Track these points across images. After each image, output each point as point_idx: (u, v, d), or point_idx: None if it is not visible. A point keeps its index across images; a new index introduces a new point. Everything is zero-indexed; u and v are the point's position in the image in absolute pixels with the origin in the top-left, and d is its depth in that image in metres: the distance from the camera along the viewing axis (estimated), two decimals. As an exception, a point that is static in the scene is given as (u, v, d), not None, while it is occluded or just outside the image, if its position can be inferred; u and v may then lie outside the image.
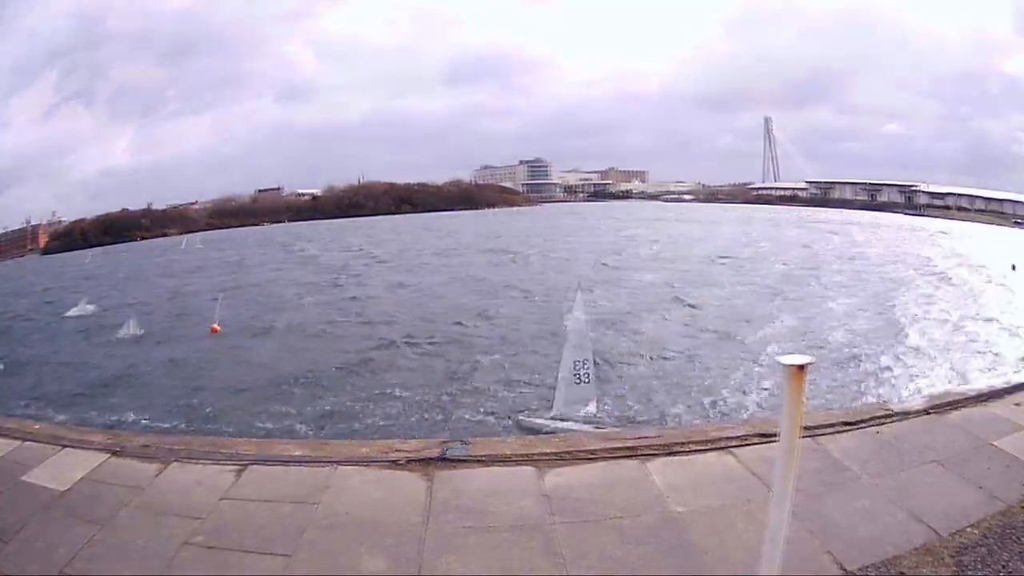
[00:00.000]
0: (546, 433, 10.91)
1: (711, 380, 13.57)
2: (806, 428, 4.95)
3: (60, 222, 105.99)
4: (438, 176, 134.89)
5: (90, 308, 26.79)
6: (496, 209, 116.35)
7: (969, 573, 3.72)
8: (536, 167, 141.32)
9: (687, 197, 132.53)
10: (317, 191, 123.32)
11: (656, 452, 5.28)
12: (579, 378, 11.08)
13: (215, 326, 20.71)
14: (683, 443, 5.44)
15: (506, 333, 18.50)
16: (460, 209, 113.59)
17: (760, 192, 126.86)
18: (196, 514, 4.49)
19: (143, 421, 12.26)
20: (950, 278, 28.24)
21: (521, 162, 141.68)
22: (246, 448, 5.71)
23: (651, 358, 15.30)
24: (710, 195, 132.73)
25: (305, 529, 4.31)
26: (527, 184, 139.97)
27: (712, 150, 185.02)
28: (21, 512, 4.50)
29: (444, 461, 5.21)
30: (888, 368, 14.24)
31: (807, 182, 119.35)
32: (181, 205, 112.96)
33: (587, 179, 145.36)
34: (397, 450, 5.45)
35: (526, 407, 12.30)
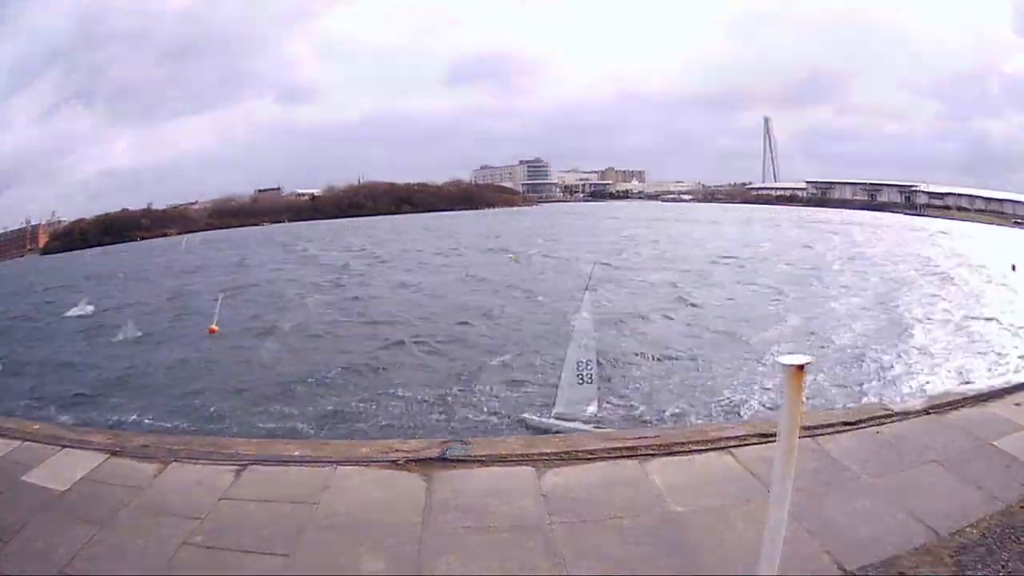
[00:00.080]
0: (550, 432, 10.96)
1: (714, 380, 13.56)
2: (805, 428, 4.96)
3: (60, 222, 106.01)
4: (438, 176, 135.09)
5: (89, 309, 26.76)
6: (496, 209, 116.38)
7: (969, 573, 3.72)
8: (535, 167, 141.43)
9: (686, 197, 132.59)
10: (317, 191, 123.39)
11: (655, 452, 5.28)
12: (582, 379, 11.10)
13: (213, 326, 20.66)
14: (682, 443, 5.44)
15: (508, 333, 18.48)
16: (460, 209, 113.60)
17: (759, 192, 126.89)
18: (195, 514, 4.49)
19: (146, 421, 12.24)
20: (951, 278, 28.25)
21: (520, 162, 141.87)
22: (245, 448, 5.71)
23: (654, 358, 15.29)
24: (709, 195, 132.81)
25: (304, 529, 4.31)
26: (526, 184, 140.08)
27: (711, 150, 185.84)
28: (21, 512, 4.50)
29: (443, 461, 5.21)
30: (892, 368, 14.23)
31: (806, 182, 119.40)
32: (181, 205, 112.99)
33: (586, 179, 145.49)
34: (396, 450, 5.45)
35: (528, 406, 12.29)
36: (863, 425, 5.69)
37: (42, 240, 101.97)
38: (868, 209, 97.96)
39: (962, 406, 6.07)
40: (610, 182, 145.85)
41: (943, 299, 22.74)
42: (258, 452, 5.57)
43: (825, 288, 25.38)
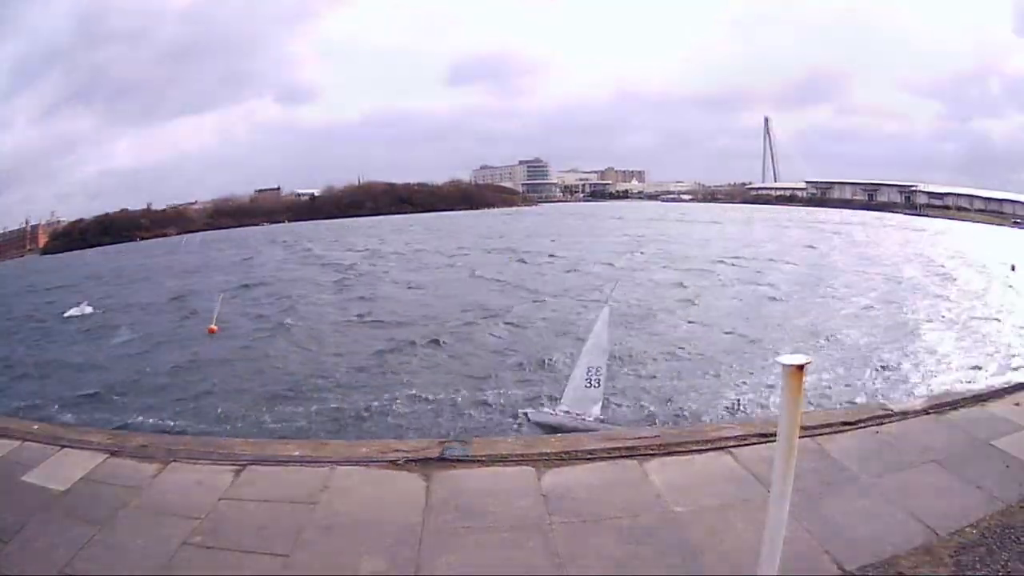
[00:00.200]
0: (551, 426, 10.98)
1: (720, 380, 13.52)
2: (805, 428, 4.96)
3: (59, 222, 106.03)
4: (437, 176, 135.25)
5: (89, 309, 26.72)
6: (496, 209, 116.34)
7: (968, 573, 3.72)
8: (535, 167, 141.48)
9: (685, 197, 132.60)
10: (316, 191, 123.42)
11: (655, 452, 5.27)
12: (590, 383, 11.13)
13: (213, 326, 20.63)
14: (682, 443, 5.44)
15: (516, 333, 18.43)
16: (459, 209, 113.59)
17: (759, 192, 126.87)
18: (195, 514, 4.49)
19: (148, 422, 12.20)
20: (954, 278, 28.26)
21: (520, 162, 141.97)
22: (245, 448, 5.71)
23: (660, 357, 15.24)
24: (708, 195, 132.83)
25: (303, 529, 4.30)
26: (526, 184, 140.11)
27: (711, 150, 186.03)
28: (21, 512, 4.49)
29: (443, 461, 5.20)
30: (899, 368, 14.22)
31: (806, 182, 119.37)
32: (180, 205, 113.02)
33: (586, 179, 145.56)
34: (395, 450, 5.45)
35: (533, 405, 12.27)
36: (863, 425, 5.69)
37: (42, 240, 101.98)
38: (868, 209, 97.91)
39: (962, 406, 6.07)
40: (610, 182, 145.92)
41: (946, 299, 22.76)
42: (257, 452, 5.56)
43: (829, 288, 25.37)
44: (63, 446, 5.58)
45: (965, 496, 4.50)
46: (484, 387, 13.28)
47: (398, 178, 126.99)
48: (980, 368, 14.23)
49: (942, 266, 32.87)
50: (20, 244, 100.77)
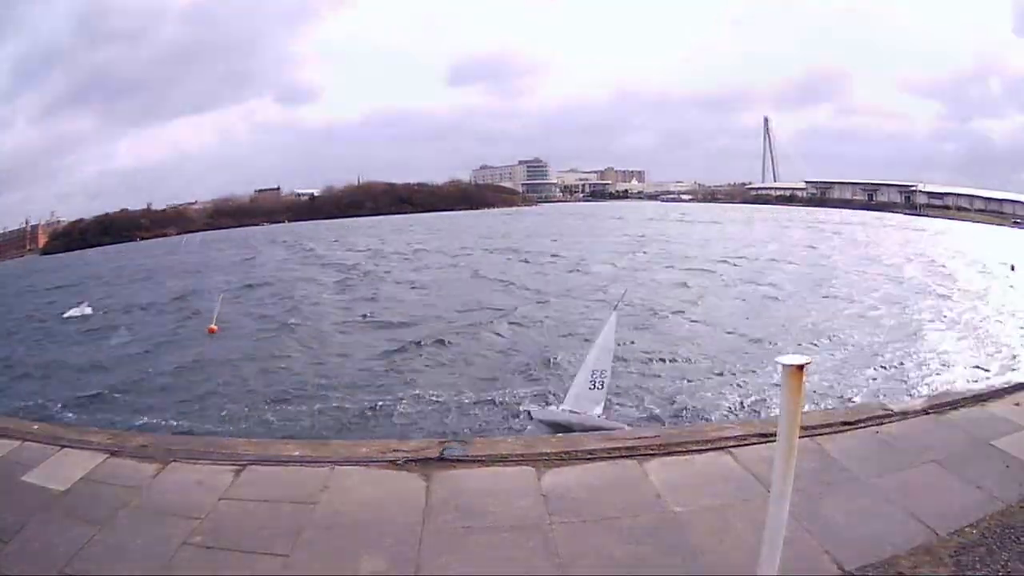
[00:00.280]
0: (553, 424, 10.98)
1: (722, 380, 13.48)
2: (805, 428, 4.96)
3: (59, 222, 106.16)
4: (437, 176, 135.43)
5: (88, 310, 26.67)
6: (496, 209, 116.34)
7: (968, 573, 3.72)
8: (534, 167, 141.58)
9: (685, 197, 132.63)
10: (316, 191, 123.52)
11: (655, 452, 5.27)
12: (594, 385, 11.14)
13: (213, 326, 20.60)
14: (682, 443, 5.44)
15: (519, 333, 18.37)
16: (459, 209, 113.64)
17: (759, 192, 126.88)
18: (195, 514, 4.49)
19: (149, 422, 12.17)
20: (955, 278, 28.25)
21: (520, 162, 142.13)
22: (245, 448, 5.71)
23: (662, 357, 15.21)
24: (708, 195, 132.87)
25: (304, 529, 4.30)
26: (525, 184, 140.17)
27: (710, 150, 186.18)
28: (21, 512, 4.49)
29: (442, 461, 5.20)
30: (903, 368, 14.19)
31: (805, 182, 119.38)
32: (180, 205, 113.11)
33: (585, 179, 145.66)
34: (395, 450, 5.45)
35: (536, 404, 12.25)
36: (863, 425, 5.69)
37: (42, 240, 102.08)
38: (867, 209, 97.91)
39: (962, 406, 6.07)
40: (609, 182, 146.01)
41: (947, 299, 22.76)
42: (258, 452, 5.56)
43: (830, 288, 25.35)
44: (63, 446, 5.58)
45: (965, 496, 4.50)
46: (487, 387, 13.26)
47: (398, 178, 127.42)
48: (981, 368, 14.22)
49: (943, 266, 32.86)
50: (20, 244, 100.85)
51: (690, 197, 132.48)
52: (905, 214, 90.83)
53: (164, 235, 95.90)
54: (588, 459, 5.22)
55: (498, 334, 18.21)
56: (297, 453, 5.54)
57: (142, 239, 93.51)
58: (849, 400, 12.01)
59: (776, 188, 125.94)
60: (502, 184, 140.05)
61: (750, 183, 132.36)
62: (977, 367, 14.27)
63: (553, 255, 39.46)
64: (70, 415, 12.83)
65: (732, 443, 5.37)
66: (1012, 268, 30.18)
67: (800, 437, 3.10)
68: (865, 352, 15.51)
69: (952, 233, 59.17)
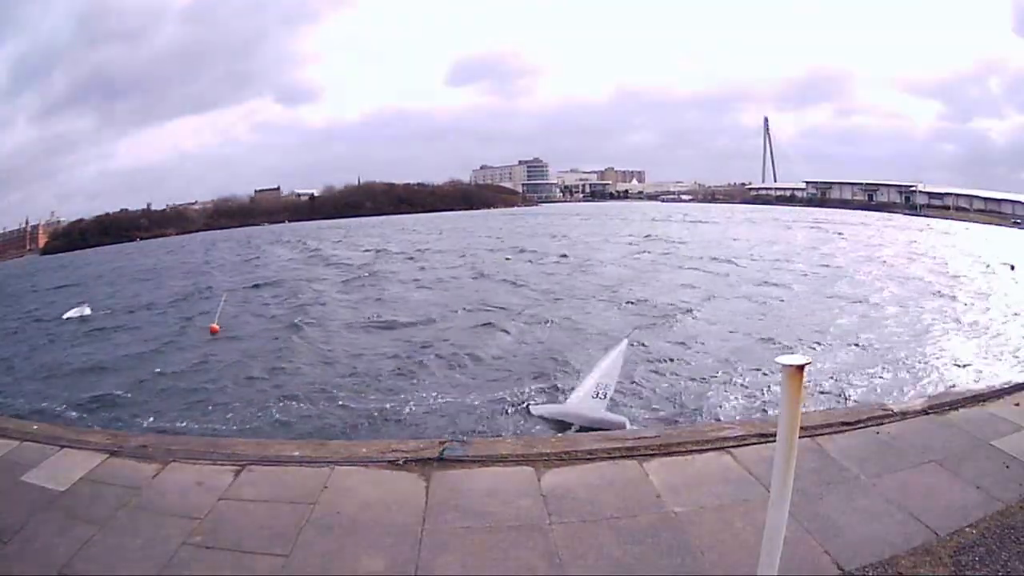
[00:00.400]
0: (553, 419, 10.95)
1: (727, 380, 13.39)
2: (804, 428, 4.97)
3: (59, 222, 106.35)
4: (437, 176, 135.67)
5: (88, 311, 26.58)
6: (496, 209, 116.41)
7: (967, 573, 3.72)
8: (534, 167, 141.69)
9: (685, 197, 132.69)
10: (316, 191, 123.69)
11: (654, 452, 5.28)
12: (597, 394, 11.12)
13: (214, 325, 20.55)
14: (682, 443, 5.44)
15: (526, 333, 18.28)
16: (459, 209, 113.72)
17: (758, 192, 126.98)
18: (194, 514, 4.49)
19: (149, 422, 12.13)
20: (955, 278, 28.22)
21: (520, 162, 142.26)
22: (244, 448, 5.72)
23: (666, 357, 15.13)
24: (708, 195, 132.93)
25: (303, 529, 4.31)
26: (525, 184, 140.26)
27: (710, 150, 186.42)
28: (20, 512, 4.50)
29: (442, 461, 5.21)
30: (901, 367, 14.13)
31: (805, 182, 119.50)
32: (180, 205, 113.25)
33: (585, 179, 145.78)
34: (395, 450, 5.45)
35: (541, 401, 12.22)
36: (863, 425, 5.70)
37: (42, 240, 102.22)
38: (867, 209, 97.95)
39: (962, 406, 6.07)
40: (609, 182, 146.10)
41: (949, 299, 22.69)
42: (257, 452, 5.57)
43: (834, 288, 25.27)
44: (63, 446, 5.59)
45: (965, 496, 4.51)
46: (492, 388, 13.17)
47: (398, 178, 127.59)
48: (981, 368, 14.20)
49: (944, 266, 32.83)
50: (20, 244, 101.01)
51: (690, 197, 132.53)
52: (905, 214, 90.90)
53: (164, 235, 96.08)
54: (588, 459, 5.23)
55: (505, 332, 18.10)
56: (297, 453, 5.54)
57: (142, 239, 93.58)
58: (850, 400, 11.98)
59: (776, 188, 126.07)
60: (502, 184, 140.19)
61: (750, 183, 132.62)
62: (978, 368, 14.24)
63: (562, 255, 39.30)
64: (71, 415, 12.81)
65: (732, 443, 5.38)
66: (1012, 268, 30.23)
67: (800, 437, 3.10)
68: (868, 352, 15.47)
69: (952, 233, 59.14)
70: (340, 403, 12.64)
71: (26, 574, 3.90)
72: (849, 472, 4.89)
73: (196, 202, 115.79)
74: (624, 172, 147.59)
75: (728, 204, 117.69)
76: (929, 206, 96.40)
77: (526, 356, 15.82)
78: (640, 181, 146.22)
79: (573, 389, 11.70)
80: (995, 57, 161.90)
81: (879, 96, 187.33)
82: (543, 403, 11.97)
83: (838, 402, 11.78)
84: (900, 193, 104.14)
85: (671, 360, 14.84)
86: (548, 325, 18.99)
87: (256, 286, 31.12)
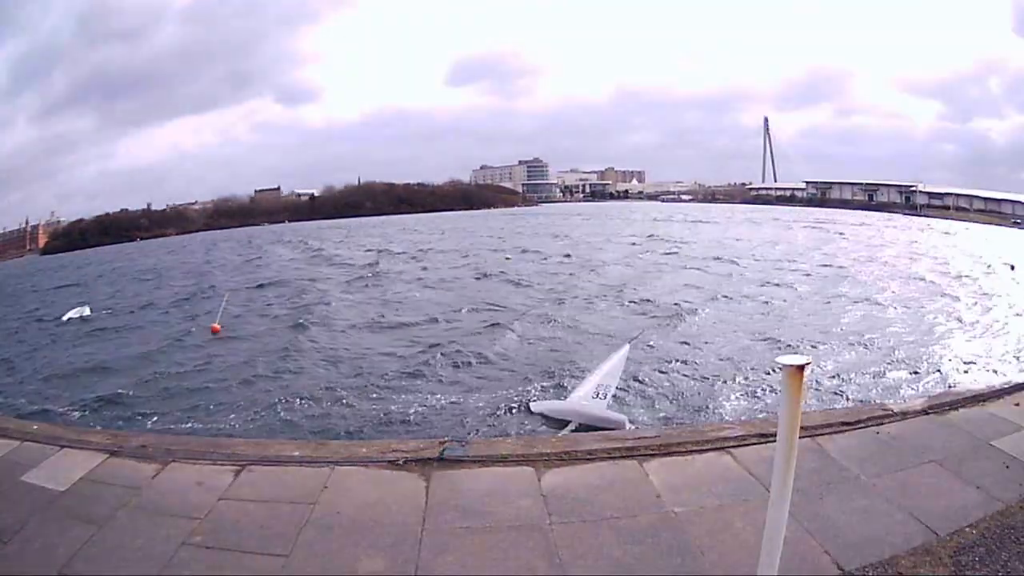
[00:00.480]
0: (553, 417, 10.95)
1: (730, 379, 13.37)
2: (805, 428, 4.97)
3: (59, 222, 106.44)
4: (437, 176, 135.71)
5: (88, 311, 26.52)
6: (497, 209, 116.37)
7: (967, 573, 3.72)
8: (534, 167, 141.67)
9: (685, 197, 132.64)
10: (315, 191, 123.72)
11: (654, 452, 5.28)
12: (598, 395, 11.13)
13: (215, 325, 20.54)
14: (682, 443, 5.44)
15: (531, 333, 18.27)
16: (459, 209, 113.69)
17: (759, 192, 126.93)
18: (194, 514, 4.49)
19: (149, 422, 12.12)
20: (956, 278, 28.21)
21: (520, 162, 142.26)
22: (244, 448, 5.72)
23: (669, 357, 15.11)
24: (708, 195, 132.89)
25: (303, 529, 4.31)
26: (525, 184, 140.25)
27: (711, 150, 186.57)
28: (20, 512, 4.50)
29: (442, 461, 5.21)
30: (903, 367, 14.11)
31: (805, 182, 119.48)
32: (180, 205, 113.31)
33: (585, 179, 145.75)
34: (395, 450, 5.45)
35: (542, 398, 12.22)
36: (863, 425, 5.70)
37: (42, 240, 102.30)
38: (867, 209, 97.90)
39: (962, 406, 6.07)
40: (609, 182, 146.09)
41: (950, 298, 22.70)
42: (257, 452, 5.57)
43: (837, 288, 25.27)
44: (63, 446, 5.59)
45: (965, 496, 4.50)
46: (495, 388, 13.17)
47: (398, 178, 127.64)
48: (982, 368, 14.19)
49: (946, 266, 32.83)
50: (20, 244, 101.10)
51: (690, 197, 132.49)
52: (905, 214, 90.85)
53: (164, 235, 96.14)
54: (588, 459, 5.23)
55: (510, 332, 18.10)
56: (297, 453, 5.54)
57: (142, 239, 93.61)
58: (851, 400, 11.96)
59: (776, 188, 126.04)
60: (502, 184, 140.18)
61: (750, 183, 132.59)
62: (979, 367, 14.23)
63: (565, 255, 39.25)
64: (73, 415, 12.80)
65: (732, 443, 5.38)
66: (1012, 268, 30.23)
67: (800, 437, 3.10)
68: (870, 351, 15.47)
69: (952, 233, 59.10)
70: (344, 403, 12.61)
71: (26, 574, 3.90)
72: (849, 472, 4.89)
73: (196, 202, 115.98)
74: (624, 172, 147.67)
75: (728, 204, 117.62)
76: (929, 206, 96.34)
77: (531, 356, 15.80)
78: (640, 181, 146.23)
79: (574, 388, 11.72)
80: (995, 57, 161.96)
81: (879, 96, 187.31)
82: (544, 400, 11.97)
83: (838, 402, 11.78)
84: (900, 193, 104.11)
85: (674, 360, 14.82)
86: (552, 325, 18.99)
87: (260, 286, 31.09)
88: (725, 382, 13.21)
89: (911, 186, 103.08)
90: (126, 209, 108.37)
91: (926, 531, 4.11)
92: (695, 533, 4.18)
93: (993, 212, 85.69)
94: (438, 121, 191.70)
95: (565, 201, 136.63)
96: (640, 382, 13.10)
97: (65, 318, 25.63)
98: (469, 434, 10.39)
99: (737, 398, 12.39)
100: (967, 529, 4.12)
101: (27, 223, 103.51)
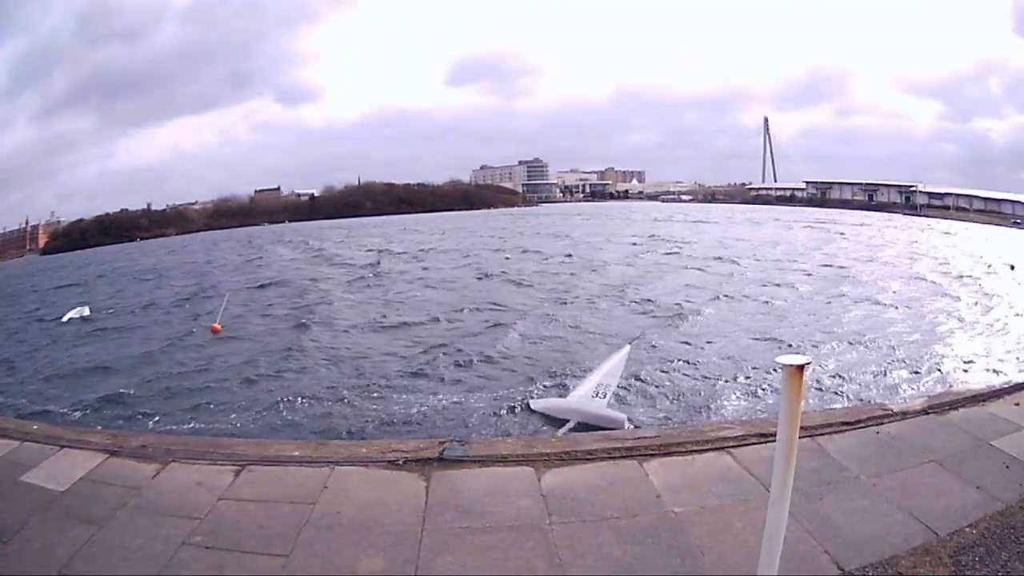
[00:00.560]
0: (553, 415, 10.95)
1: (731, 379, 13.35)
2: (804, 428, 4.97)
3: (59, 222, 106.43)
4: (437, 176, 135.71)
5: (88, 312, 26.50)
6: (497, 209, 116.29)
7: (967, 573, 3.72)
8: (534, 167, 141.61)
9: (685, 197, 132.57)
10: (315, 191, 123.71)
11: (654, 452, 5.28)
12: (597, 394, 11.14)
13: (216, 325, 20.54)
14: (682, 443, 5.44)
15: (532, 333, 18.24)
16: (459, 209, 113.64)
17: (759, 192, 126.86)
18: (194, 514, 4.49)
19: (149, 422, 12.11)
20: (957, 278, 28.21)
21: (520, 162, 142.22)
22: (244, 448, 5.71)
23: (670, 357, 15.09)
24: (708, 195, 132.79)
25: (303, 529, 4.31)
26: (525, 184, 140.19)
27: (711, 150, 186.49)
28: (20, 512, 4.50)
29: (442, 461, 5.21)
30: (903, 367, 14.10)
31: (805, 182, 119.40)
32: (180, 205, 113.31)
33: (585, 179, 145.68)
34: (395, 450, 5.45)
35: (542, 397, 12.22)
36: (863, 425, 5.69)
37: (42, 240, 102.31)
38: (867, 209, 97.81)
39: (962, 406, 6.07)
40: (609, 182, 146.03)
41: (951, 298, 22.71)
42: (257, 452, 5.57)
43: (838, 288, 25.27)
44: (63, 446, 5.59)
45: (965, 496, 4.50)
46: (496, 387, 13.17)
47: (398, 178, 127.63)
48: (982, 368, 14.18)
49: (946, 266, 32.83)
50: (20, 244, 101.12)
51: (690, 197, 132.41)
52: (905, 214, 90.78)
53: (164, 235, 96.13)
54: (588, 459, 5.23)
55: (511, 332, 18.08)
56: (297, 453, 5.54)
57: (142, 239, 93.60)
58: (851, 400, 11.95)
59: (776, 188, 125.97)
60: (502, 184, 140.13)
61: (750, 183, 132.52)
62: (979, 367, 14.22)
63: (566, 255, 39.20)
64: (73, 415, 12.79)
65: (732, 443, 5.38)
66: (1012, 268, 30.22)
67: (800, 437, 3.10)
68: (871, 351, 15.46)
69: (952, 233, 59.10)
70: (346, 403, 12.60)
71: (26, 574, 3.90)
72: (849, 472, 4.89)
73: (196, 202, 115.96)
74: (624, 172, 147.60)
75: (728, 204, 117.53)
76: (929, 206, 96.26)
77: (532, 356, 15.79)
78: (640, 181, 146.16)
79: (575, 387, 11.72)
80: (995, 57, 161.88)
81: (879, 96, 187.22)
82: (543, 398, 11.97)
83: (838, 402, 11.78)
84: (900, 193, 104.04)
85: (674, 359, 14.81)
86: (554, 325, 18.98)
87: (261, 286, 31.08)
88: (726, 382, 13.21)
89: (911, 186, 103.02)
90: (126, 209, 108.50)
91: (926, 531, 4.11)
92: (695, 533, 4.18)
93: (993, 212, 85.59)
94: (438, 121, 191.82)
95: (565, 201, 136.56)
96: (641, 381, 13.09)
97: (65, 318, 25.60)
98: (471, 434, 10.39)
99: (738, 398, 12.38)
100: (967, 529, 4.12)
101: (27, 223, 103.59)
